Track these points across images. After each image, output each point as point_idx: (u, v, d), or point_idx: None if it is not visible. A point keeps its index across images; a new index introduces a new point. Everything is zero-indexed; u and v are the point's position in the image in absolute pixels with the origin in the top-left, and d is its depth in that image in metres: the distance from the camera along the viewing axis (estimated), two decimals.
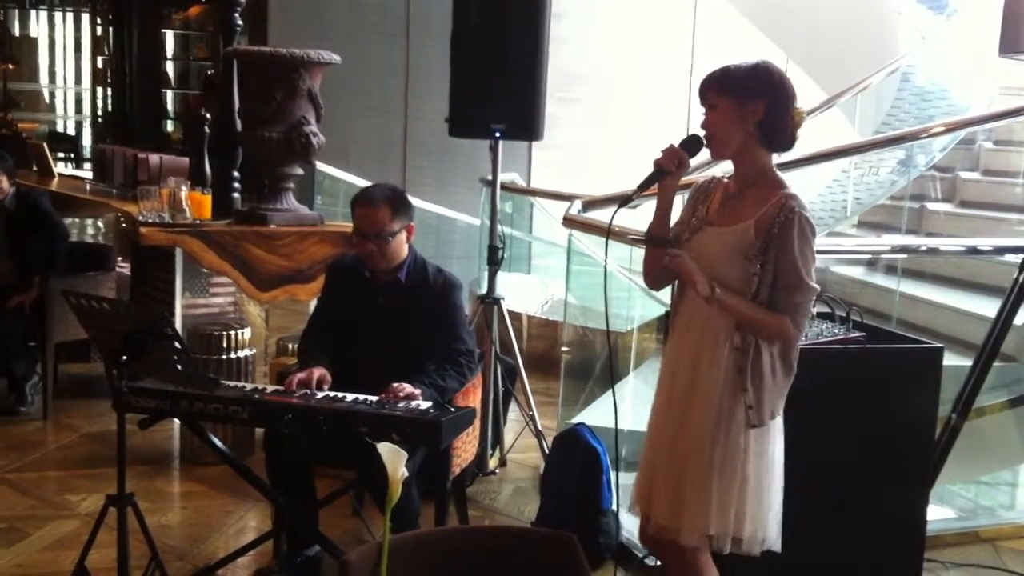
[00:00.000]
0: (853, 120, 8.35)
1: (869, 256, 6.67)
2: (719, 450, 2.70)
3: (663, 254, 2.78)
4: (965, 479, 4.94)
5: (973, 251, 5.42)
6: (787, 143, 2.76)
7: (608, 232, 2.92)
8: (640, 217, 2.99)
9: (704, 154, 2.83)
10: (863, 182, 7.95)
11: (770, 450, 2.75)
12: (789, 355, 2.72)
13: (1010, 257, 4.50)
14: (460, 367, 3.61)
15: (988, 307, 4.69)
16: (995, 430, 4.93)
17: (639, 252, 2.99)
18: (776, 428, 2.77)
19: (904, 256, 5.82)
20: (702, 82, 2.76)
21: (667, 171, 2.75)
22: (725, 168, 2.91)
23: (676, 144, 2.78)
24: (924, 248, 5.92)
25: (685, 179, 2.88)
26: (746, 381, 2.68)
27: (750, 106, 2.67)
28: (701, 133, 2.78)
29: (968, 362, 4.10)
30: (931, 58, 9.34)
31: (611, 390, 3.09)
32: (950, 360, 3.99)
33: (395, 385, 3.34)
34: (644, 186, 2.79)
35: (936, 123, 7.33)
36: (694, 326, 2.78)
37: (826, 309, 3.51)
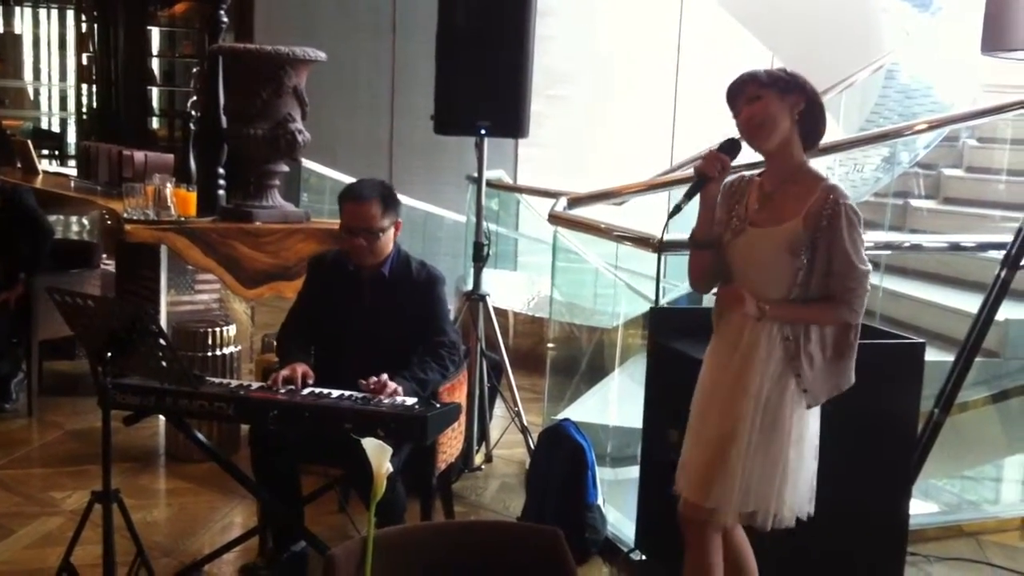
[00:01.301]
0: (838, 117, 8.37)
1: None
2: (765, 433, 2.77)
3: (708, 257, 2.86)
4: (949, 474, 4.97)
5: (956, 247, 5.45)
6: (818, 140, 2.84)
7: (659, 245, 2.94)
8: (628, 215, 3.00)
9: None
10: (848, 179, 7.97)
11: (811, 429, 2.85)
12: (843, 338, 2.80)
13: (992, 253, 4.53)
14: (442, 360, 3.61)
15: (970, 303, 4.71)
16: (978, 425, 4.96)
17: (624, 249, 3.01)
18: (815, 410, 2.85)
19: (888, 252, 5.82)
20: (737, 81, 2.79)
21: (710, 177, 2.79)
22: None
23: (716, 149, 2.82)
24: (908, 244, 5.94)
25: None
26: (800, 367, 2.76)
27: (791, 98, 2.75)
28: (736, 135, 2.83)
29: (951, 357, 4.12)
30: (916, 55, 9.37)
31: (597, 384, 3.10)
32: (932, 355, 4.02)
33: (373, 379, 3.34)
34: (691, 194, 2.81)
35: (920, 120, 7.36)
36: (743, 322, 2.82)
37: None
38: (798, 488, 2.83)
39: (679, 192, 3.33)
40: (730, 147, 2.83)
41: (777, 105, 2.74)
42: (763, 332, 2.77)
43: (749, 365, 2.78)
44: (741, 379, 2.79)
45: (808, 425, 2.84)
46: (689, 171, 3.70)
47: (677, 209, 2.84)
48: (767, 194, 2.83)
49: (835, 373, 2.82)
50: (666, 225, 2.97)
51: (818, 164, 8.07)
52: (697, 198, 2.84)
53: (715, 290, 2.96)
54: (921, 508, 4.40)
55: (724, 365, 2.86)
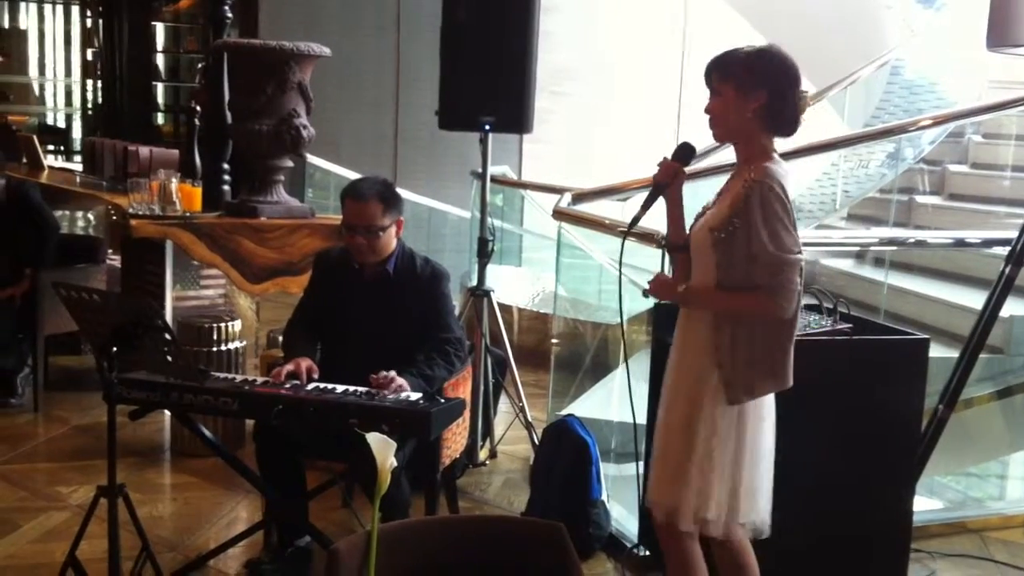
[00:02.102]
0: (842, 113, 8.37)
1: (858, 249, 6.69)
2: (697, 431, 2.72)
3: (686, 258, 2.84)
4: (953, 471, 4.97)
5: (961, 244, 5.45)
6: (791, 128, 2.75)
7: (624, 238, 2.97)
8: (633, 210, 3.00)
9: (709, 137, 2.86)
10: (852, 175, 7.98)
11: (748, 434, 2.74)
12: (774, 333, 2.69)
13: (997, 249, 4.52)
14: (448, 356, 3.62)
15: (975, 299, 4.71)
16: (982, 422, 4.96)
17: (629, 245, 3.02)
18: (753, 413, 2.75)
19: (892, 248, 5.83)
20: (708, 65, 2.77)
21: (665, 185, 2.79)
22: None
23: (669, 157, 2.82)
24: (912, 241, 5.93)
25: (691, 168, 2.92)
26: (721, 357, 2.69)
27: (752, 94, 2.68)
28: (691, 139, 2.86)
29: (955, 354, 4.12)
30: (920, 51, 9.36)
31: (601, 380, 3.11)
32: (937, 352, 4.02)
33: (382, 374, 3.35)
34: (647, 206, 2.81)
35: (925, 116, 7.34)
36: (681, 320, 2.84)
37: (814, 301, 3.54)
38: (744, 497, 2.74)
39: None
40: (683, 153, 2.82)
41: (733, 102, 2.69)
42: (694, 324, 2.76)
43: (682, 357, 2.79)
44: (676, 372, 2.81)
45: (747, 429, 2.73)
46: (695, 167, 3.70)
47: (635, 222, 2.84)
48: (728, 181, 2.81)
49: (763, 371, 2.70)
50: (624, 237, 2.97)
51: (823, 160, 8.12)
52: (663, 206, 2.86)
53: None
54: (925, 505, 4.40)
55: (672, 359, 2.86)
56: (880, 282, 5.97)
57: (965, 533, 4.36)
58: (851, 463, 3.41)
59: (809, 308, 3.54)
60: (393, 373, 3.36)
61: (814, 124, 7.90)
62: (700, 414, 2.72)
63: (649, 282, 2.85)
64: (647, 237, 3.75)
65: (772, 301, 2.63)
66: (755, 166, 2.69)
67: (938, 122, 6.67)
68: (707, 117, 2.77)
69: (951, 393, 3.97)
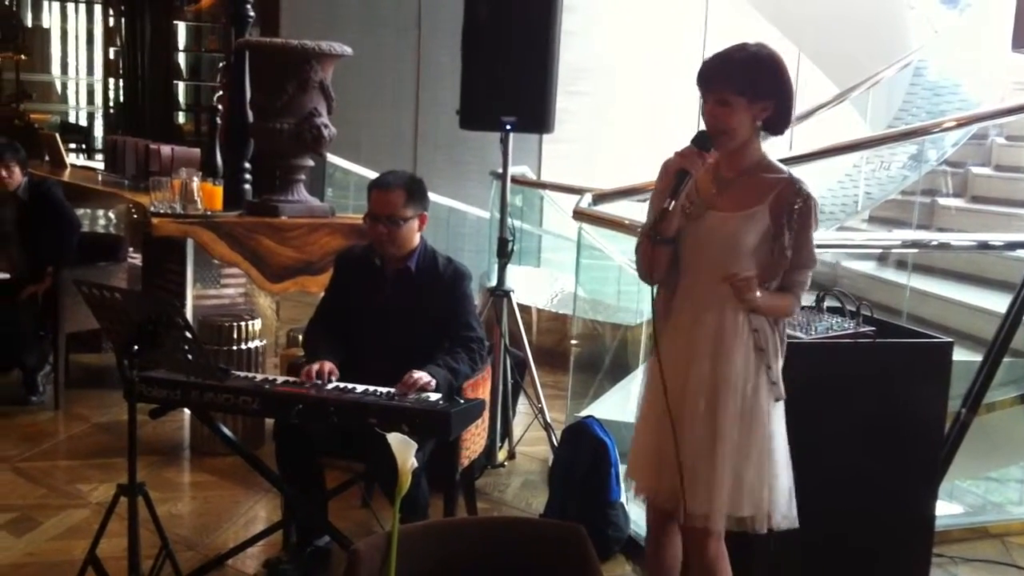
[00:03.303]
0: (865, 115, 8.33)
1: (880, 251, 6.66)
2: (750, 433, 2.74)
3: (668, 252, 2.79)
4: (974, 475, 4.93)
5: (984, 246, 5.39)
6: (785, 130, 2.81)
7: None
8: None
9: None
10: (874, 177, 7.94)
11: (781, 430, 2.81)
12: (783, 329, 2.85)
13: (1021, 252, 4.50)
14: (472, 353, 3.62)
15: (999, 302, 4.68)
16: (1005, 426, 4.91)
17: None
18: (781, 406, 2.82)
19: (915, 251, 5.79)
20: (710, 72, 2.73)
21: (692, 174, 2.72)
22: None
23: (691, 145, 2.75)
24: (935, 243, 5.89)
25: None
26: (768, 358, 2.76)
27: (761, 104, 2.70)
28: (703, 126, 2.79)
29: (978, 357, 4.08)
30: (943, 53, 9.31)
31: (620, 381, 3.09)
32: (960, 355, 3.99)
33: (411, 375, 3.34)
34: (676, 193, 2.71)
35: (948, 118, 7.31)
36: (705, 319, 2.77)
37: (837, 304, 3.51)
38: (783, 491, 2.79)
39: None
40: (703, 141, 2.75)
41: (744, 114, 2.70)
42: (732, 324, 2.74)
43: (728, 359, 2.74)
44: (720, 374, 2.74)
45: (780, 423, 2.81)
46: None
47: (665, 211, 2.71)
48: (726, 180, 2.79)
49: (781, 367, 2.83)
50: (655, 226, 2.79)
51: (845, 162, 8.08)
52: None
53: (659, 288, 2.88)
54: (945, 509, 4.37)
55: (688, 363, 2.77)
56: (903, 285, 5.93)
57: (987, 538, 4.32)
58: (873, 466, 3.38)
59: (832, 311, 3.52)
60: (417, 374, 3.35)
61: (836, 126, 7.88)
62: (756, 413, 2.75)
63: (741, 278, 2.70)
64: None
65: (796, 301, 2.81)
66: (787, 176, 2.75)
67: (961, 124, 6.63)
68: (709, 126, 2.74)
69: (974, 397, 3.94)
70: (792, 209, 2.70)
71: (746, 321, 2.74)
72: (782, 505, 2.78)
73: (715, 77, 2.71)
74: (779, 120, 2.76)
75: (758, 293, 2.69)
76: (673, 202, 2.69)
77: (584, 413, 4.63)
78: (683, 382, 2.79)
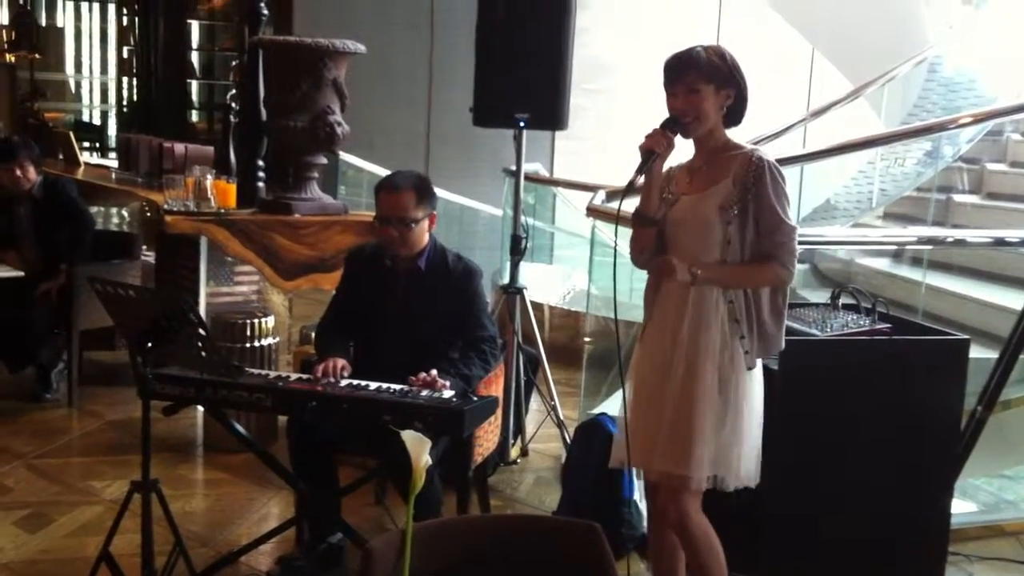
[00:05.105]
0: (879, 111, 8.29)
1: (895, 248, 6.62)
2: (728, 396, 2.90)
3: (651, 233, 3.01)
4: (989, 473, 4.90)
5: (1000, 243, 5.37)
6: (741, 120, 3.00)
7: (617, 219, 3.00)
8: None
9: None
10: (889, 173, 7.90)
11: (756, 394, 2.96)
12: (775, 299, 2.93)
13: None
14: (484, 354, 3.61)
15: (1015, 299, 4.66)
16: (1021, 424, 4.88)
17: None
18: (758, 372, 2.96)
19: (930, 248, 5.77)
20: (680, 65, 2.93)
21: (658, 153, 2.93)
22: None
23: (660, 127, 2.96)
24: (951, 240, 5.85)
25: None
26: (743, 328, 2.90)
27: (725, 91, 2.93)
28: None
29: (994, 355, 4.06)
30: (959, 49, 9.26)
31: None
32: (976, 352, 3.95)
33: (423, 375, 3.34)
34: (641, 170, 2.95)
35: (963, 114, 7.26)
36: (686, 298, 2.93)
37: (852, 301, 3.50)
38: (751, 453, 2.94)
39: None
40: (673, 124, 2.95)
41: (712, 100, 2.91)
42: (708, 297, 2.90)
43: (702, 330, 2.90)
44: (697, 344, 2.90)
45: (753, 389, 2.94)
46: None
47: (631, 185, 2.99)
48: (695, 168, 3.01)
49: (770, 335, 2.93)
50: (620, 203, 3.06)
51: (859, 158, 8.04)
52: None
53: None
54: (960, 507, 4.34)
55: (673, 335, 2.95)
56: (918, 282, 5.90)
57: (1003, 536, 4.30)
58: (889, 463, 3.37)
59: (847, 308, 3.50)
60: (435, 373, 3.35)
61: (851, 122, 7.84)
62: (732, 380, 2.90)
63: (651, 264, 3.01)
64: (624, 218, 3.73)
65: (784, 269, 2.88)
66: (747, 149, 2.94)
67: (977, 120, 6.59)
68: (680, 116, 2.93)
69: (990, 394, 3.91)
70: (749, 176, 2.86)
71: (721, 295, 2.90)
72: (750, 466, 2.94)
73: (684, 69, 2.92)
74: (738, 108, 2.96)
75: (689, 273, 2.85)
76: (640, 177, 2.94)
77: (597, 410, 4.61)
78: (668, 354, 2.96)
